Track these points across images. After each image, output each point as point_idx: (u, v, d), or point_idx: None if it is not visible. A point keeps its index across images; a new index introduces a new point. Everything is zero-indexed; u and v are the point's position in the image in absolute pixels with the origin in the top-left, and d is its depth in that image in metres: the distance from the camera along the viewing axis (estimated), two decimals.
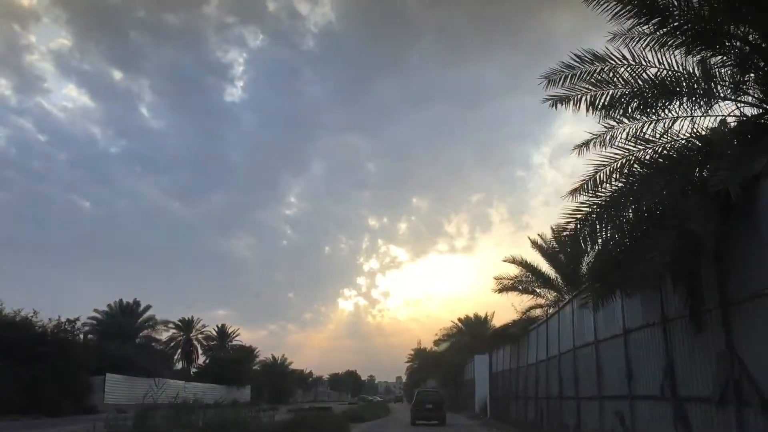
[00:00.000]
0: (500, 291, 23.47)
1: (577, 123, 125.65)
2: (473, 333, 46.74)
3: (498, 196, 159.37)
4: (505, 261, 23.22)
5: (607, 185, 8.43)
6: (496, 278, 23.33)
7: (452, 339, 50.45)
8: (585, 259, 16.96)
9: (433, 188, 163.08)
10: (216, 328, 76.88)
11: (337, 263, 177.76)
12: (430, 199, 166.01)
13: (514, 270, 23.11)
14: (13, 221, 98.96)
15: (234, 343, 78.78)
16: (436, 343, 57.32)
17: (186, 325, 72.72)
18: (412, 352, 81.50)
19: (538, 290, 22.73)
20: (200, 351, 72.77)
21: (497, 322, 47.61)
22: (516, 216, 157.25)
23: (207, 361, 67.26)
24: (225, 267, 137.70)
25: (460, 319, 50.47)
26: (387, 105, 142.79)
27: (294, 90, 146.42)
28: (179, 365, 70.14)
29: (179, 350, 71.16)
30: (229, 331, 78.59)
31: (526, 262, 22.47)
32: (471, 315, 50.04)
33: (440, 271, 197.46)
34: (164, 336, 67.92)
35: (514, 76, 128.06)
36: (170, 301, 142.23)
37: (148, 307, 50.63)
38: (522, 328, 21.85)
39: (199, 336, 73.65)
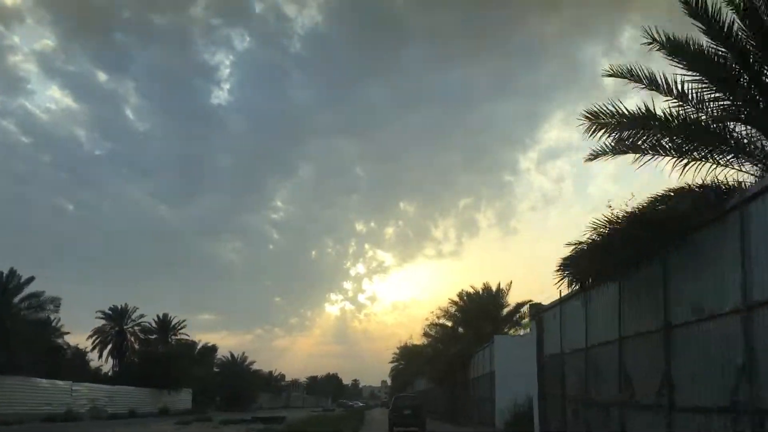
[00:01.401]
0: (597, 151, 9.92)
1: (563, 129, 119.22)
2: (482, 312, 33.42)
3: (486, 200, 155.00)
4: (608, 74, 9.73)
5: None
6: (590, 115, 9.78)
7: (452, 319, 36.73)
8: None
9: (420, 193, 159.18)
10: (156, 319, 62.76)
11: (324, 268, 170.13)
12: (418, 203, 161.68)
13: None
14: None
15: (180, 337, 65.02)
16: (426, 332, 43.43)
17: (118, 315, 58.98)
18: (397, 351, 67.48)
19: (708, 149, 9.12)
20: (137, 346, 59.24)
21: (514, 298, 34.37)
22: (503, 221, 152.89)
23: (130, 357, 53.59)
24: (211, 271, 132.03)
25: (460, 295, 36.37)
26: (375, 108, 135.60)
27: (281, 93, 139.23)
28: (108, 362, 57.15)
29: (110, 344, 57.89)
30: (173, 323, 64.54)
31: (700, 46, 8.88)
32: (477, 288, 35.99)
33: (427, 275, 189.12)
34: (90, 328, 56.93)
35: (502, 81, 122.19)
36: (156, 305, 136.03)
37: (30, 280, 36.38)
38: (700, 206, 8.13)
39: (136, 328, 60.12)
